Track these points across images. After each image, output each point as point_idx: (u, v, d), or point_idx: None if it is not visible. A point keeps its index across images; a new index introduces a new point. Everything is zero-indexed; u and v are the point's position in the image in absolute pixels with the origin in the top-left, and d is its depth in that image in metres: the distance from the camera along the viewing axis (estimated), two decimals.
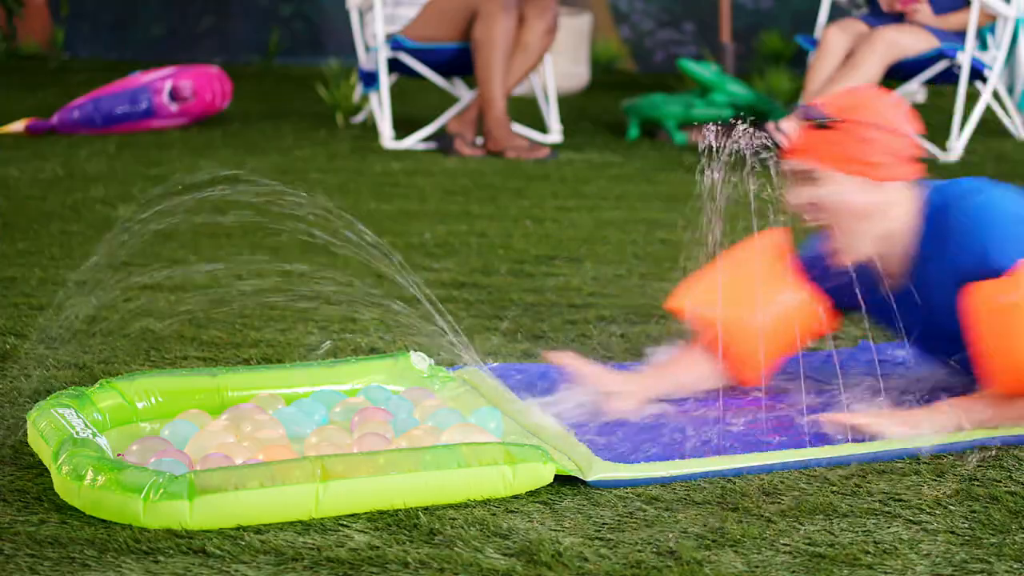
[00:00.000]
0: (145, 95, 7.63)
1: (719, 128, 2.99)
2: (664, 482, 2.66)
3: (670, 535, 2.41)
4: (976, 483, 2.63)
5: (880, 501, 2.56)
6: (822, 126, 2.83)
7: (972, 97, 7.53)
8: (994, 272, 2.80)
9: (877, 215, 2.93)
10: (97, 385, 2.92)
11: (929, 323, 2.98)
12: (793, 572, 2.27)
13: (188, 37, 11.52)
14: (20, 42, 11.40)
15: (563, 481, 2.66)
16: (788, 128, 6.71)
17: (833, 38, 6.59)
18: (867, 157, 2.92)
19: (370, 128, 7.62)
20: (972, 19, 6.52)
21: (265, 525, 2.45)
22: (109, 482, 2.44)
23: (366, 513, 2.50)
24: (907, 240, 2.96)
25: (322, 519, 2.47)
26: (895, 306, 2.98)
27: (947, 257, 2.89)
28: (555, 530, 2.44)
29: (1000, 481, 2.64)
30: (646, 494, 2.61)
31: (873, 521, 2.47)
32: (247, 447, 2.69)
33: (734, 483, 2.65)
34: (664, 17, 10.73)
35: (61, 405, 2.77)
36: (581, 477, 2.64)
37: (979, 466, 2.72)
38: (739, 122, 2.98)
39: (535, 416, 2.92)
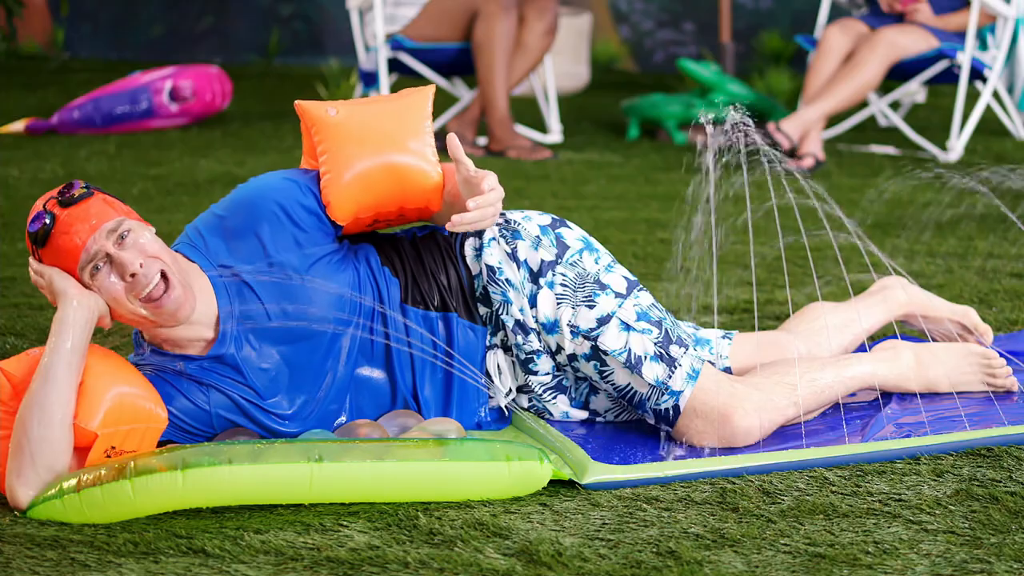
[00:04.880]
0: (145, 95, 7.64)
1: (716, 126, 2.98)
2: (663, 482, 2.66)
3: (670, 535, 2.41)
4: (976, 483, 2.63)
5: (880, 501, 2.56)
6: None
7: (972, 97, 7.53)
8: None
9: None
10: None
11: None
12: (793, 572, 2.27)
13: (188, 37, 11.52)
14: (20, 42, 11.40)
15: (562, 481, 2.66)
16: (788, 128, 6.69)
17: (833, 38, 6.59)
18: None
19: None
20: (972, 19, 6.52)
21: (265, 525, 2.45)
22: (92, 478, 2.46)
23: (366, 513, 2.50)
24: None
25: (320, 521, 2.47)
26: None
27: None
28: (555, 530, 2.44)
29: (1000, 481, 2.64)
30: (646, 494, 2.61)
31: (873, 521, 2.47)
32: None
33: (734, 483, 2.65)
34: (664, 17, 10.73)
35: None
36: (576, 481, 2.64)
37: (979, 466, 2.72)
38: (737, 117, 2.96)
39: (529, 420, 2.92)
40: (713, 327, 3.65)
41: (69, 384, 2.54)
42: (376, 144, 2.80)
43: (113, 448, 2.56)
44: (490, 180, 2.69)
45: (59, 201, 2.62)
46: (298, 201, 2.79)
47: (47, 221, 2.61)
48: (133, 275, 2.61)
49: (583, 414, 2.94)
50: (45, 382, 2.53)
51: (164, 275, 2.65)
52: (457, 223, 2.67)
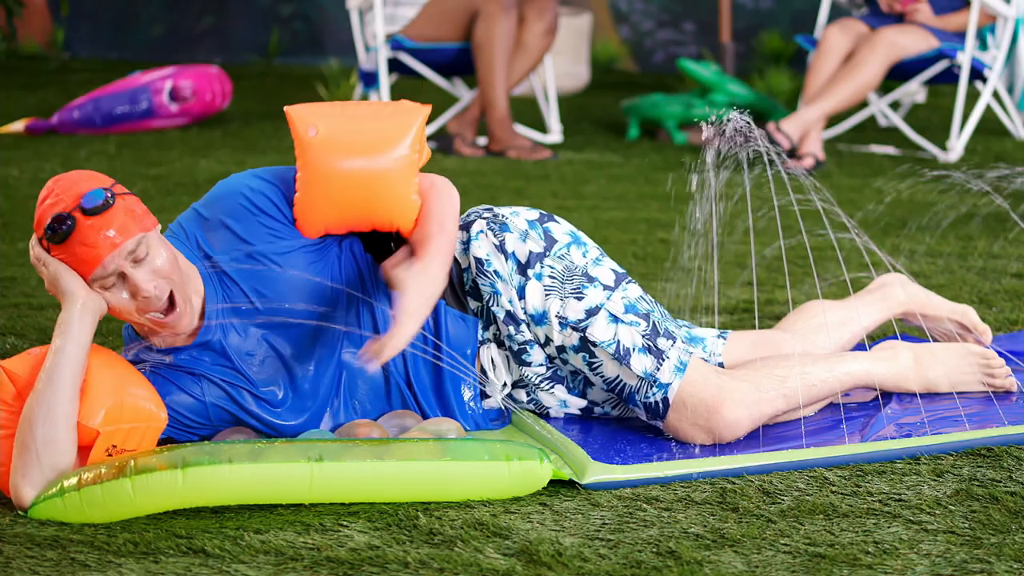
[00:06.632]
0: (145, 95, 7.64)
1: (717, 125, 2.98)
2: (663, 482, 2.66)
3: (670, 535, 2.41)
4: (976, 483, 2.63)
5: (880, 501, 2.56)
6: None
7: (972, 97, 7.53)
8: None
9: None
10: None
11: None
12: (793, 572, 2.27)
13: (188, 37, 11.52)
14: (20, 42, 11.40)
15: (562, 481, 2.66)
16: (788, 128, 6.69)
17: (833, 38, 6.59)
18: None
19: None
20: (972, 19, 6.52)
21: (265, 525, 2.45)
22: (93, 476, 2.46)
23: (366, 513, 2.50)
24: None
25: (320, 520, 2.47)
26: None
27: None
28: (555, 530, 2.44)
29: (1000, 481, 2.64)
30: (646, 494, 2.61)
31: (873, 521, 2.47)
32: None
33: (734, 483, 2.65)
34: (664, 17, 10.73)
35: None
36: (576, 481, 2.65)
37: (979, 466, 2.72)
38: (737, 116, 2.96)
39: (529, 419, 2.93)
40: (713, 327, 3.65)
41: (74, 384, 2.55)
42: (351, 173, 2.75)
43: (114, 446, 2.57)
44: (391, 345, 2.61)
45: (83, 210, 2.61)
46: (269, 199, 2.80)
47: (68, 224, 2.60)
48: (145, 296, 2.63)
49: (581, 402, 2.95)
50: (50, 382, 2.54)
51: (171, 296, 2.66)
52: (357, 361, 2.71)
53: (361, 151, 2.77)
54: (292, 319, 2.77)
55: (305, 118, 2.79)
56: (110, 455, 2.57)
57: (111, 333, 3.61)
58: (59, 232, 2.60)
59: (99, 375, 2.59)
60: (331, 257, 2.83)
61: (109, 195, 2.62)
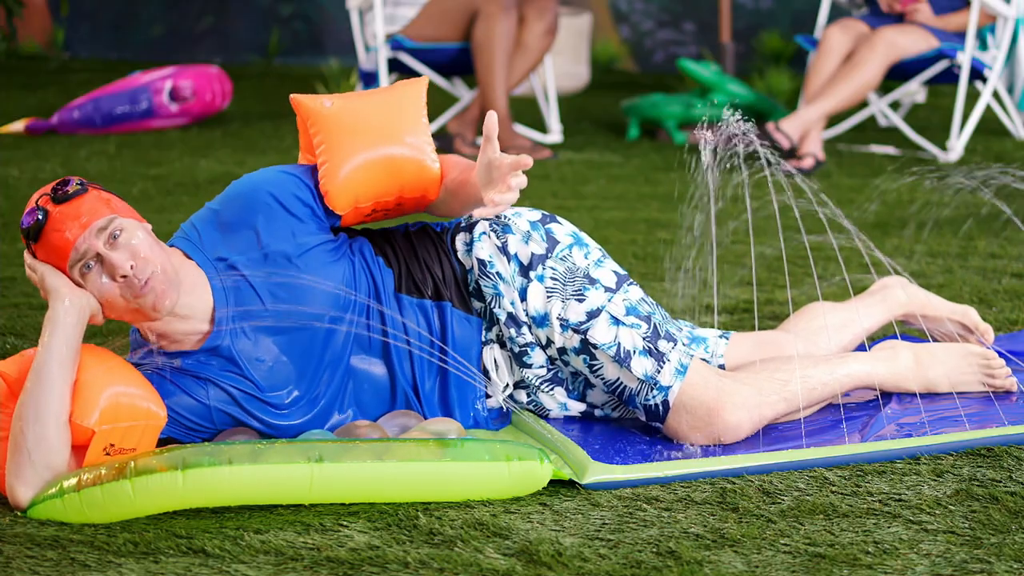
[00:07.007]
0: (145, 95, 7.64)
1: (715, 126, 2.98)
2: (663, 482, 2.66)
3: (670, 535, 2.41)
4: (976, 483, 2.63)
5: (880, 501, 2.56)
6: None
7: (972, 97, 7.54)
8: None
9: None
10: None
11: None
12: (793, 572, 2.27)
13: (188, 37, 11.52)
14: (20, 42, 11.40)
15: (562, 481, 2.66)
16: (788, 128, 6.69)
17: (833, 38, 6.59)
18: None
19: None
20: (972, 19, 6.52)
21: (265, 525, 2.45)
22: (92, 477, 2.46)
23: (366, 513, 2.50)
24: None
25: (320, 520, 2.48)
26: None
27: None
28: (555, 530, 2.44)
29: (1000, 481, 2.64)
30: (646, 494, 2.61)
31: (873, 521, 2.47)
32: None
33: (734, 483, 2.65)
34: (664, 17, 10.73)
35: None
36: (576, 481, 2.65)
37: (979, 466, 2.72)
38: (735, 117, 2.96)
39: (529, 419, 2.93)
40: (713, 327, 3.65)
41: (63, 381, 2.55)
42: (373, 135, 2.82)
43: (112, 445, 2.57)
44: (520, 179, 2.65)
45: (52, 197, 2.62)
46: (292, 192, 2.81)
47: (39, 217, 2.62)
48: (124, 277, 2.62)
49: (581, 406, 2.95)
50: (39, 381, 2.54)
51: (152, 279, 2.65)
52: (480, 215, 2.70)
53: (378, 114, 2.84)
54: (302, 318, 2.77)
55: (315, 98, 2.87)
56: (108, 454, 2.56)
57: (112, 333, 3.61)
58: (33, 225, 2.61)
59: (93, 374, 2.59)
60: (345, 257, 2.84)
61: (79, 185, 2.63)
